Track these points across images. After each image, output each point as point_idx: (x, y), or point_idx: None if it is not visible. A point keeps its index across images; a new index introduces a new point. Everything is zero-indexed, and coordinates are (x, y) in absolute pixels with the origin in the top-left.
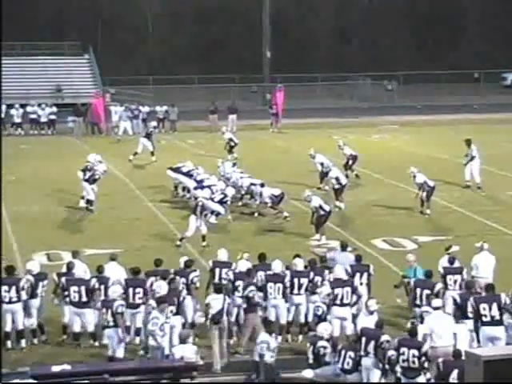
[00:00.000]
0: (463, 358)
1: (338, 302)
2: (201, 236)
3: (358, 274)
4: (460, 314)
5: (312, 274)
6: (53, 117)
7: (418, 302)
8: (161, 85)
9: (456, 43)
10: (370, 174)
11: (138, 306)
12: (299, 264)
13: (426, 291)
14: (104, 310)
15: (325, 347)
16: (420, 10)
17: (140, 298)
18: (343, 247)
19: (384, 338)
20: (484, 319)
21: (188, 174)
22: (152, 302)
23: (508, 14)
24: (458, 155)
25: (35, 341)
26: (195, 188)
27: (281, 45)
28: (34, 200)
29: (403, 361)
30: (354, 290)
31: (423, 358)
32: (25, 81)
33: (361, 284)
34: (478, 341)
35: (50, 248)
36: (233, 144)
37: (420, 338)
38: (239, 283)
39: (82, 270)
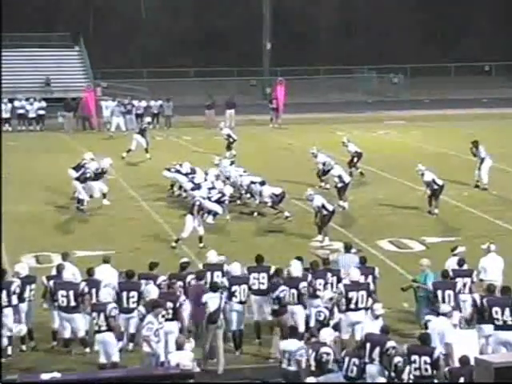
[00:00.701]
0: (472, 364)
1: (352, 306)
2: (198, 237)
3: (362, 277)
4: (479, 317)
5: (310, 277)
6: (42, 112)
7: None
8: (155, 78)
9: (465, 34)
10: (375, 171)
11: (132, 310)
12: (295, 266)
13: (448, 291)
14: (95, 314)
15: (328, 354)
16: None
17: (134, 302)
18: (347, 249)
19: (390, 344)
20: (497, 323)
21: (185, 174)
22: (141, 308)
23: None
24: (467, 152)
25: (24, 347)
26: (192, 189)
27: (282, 36)
28: (22, 199)
29: (415, 369)
30: (370, 294)
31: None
32: (12, 74)
33: None
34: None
35: (39, 250)
36: (231, 140)
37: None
38: (235, 288)
39: (70, 273)
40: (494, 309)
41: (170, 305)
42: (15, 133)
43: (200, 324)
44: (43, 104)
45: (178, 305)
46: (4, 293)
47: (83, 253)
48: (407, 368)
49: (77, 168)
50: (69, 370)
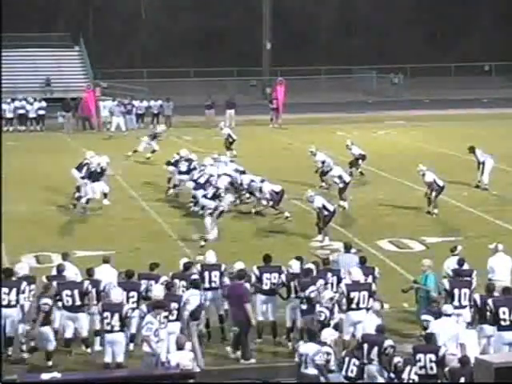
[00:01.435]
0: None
1: (353, 306)
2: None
3: (363, 277)
4: (479, 317)
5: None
6: (42, 112)
7: (456, 303)
8: (155, 78)
9: (466, 34)
10: (376, 171)
11: (132, 310)
12: (295, 266)
13: (465, 290)
14: (108, 314)
15: (328, 353)
16: None
17: (134, 302)
18: (347, 248)
19: (387, 343)
20: (503, 323)
21: (186, 172)
22: (143, 307)
23: None
24: (467, 152)
25: (24, 347)
26: (195, 188)
27: (282, 36)
28: (23, 199)
29: (420, 368)
30: (372, 294)
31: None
32: (12, 74)
33: None
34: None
35: (40, 250)
36: (231, 140)
37: None
38: None
39: (72, 273)
40: (502, 309)
41: (174, 305)
42: (15, 133)
43: (241, 323)
44: (43, 104)
45: (181, 305)
46: (14, 291)
47: (83, 253)
48: (407, 368)
49: (79, 167)
50: (69, 369)
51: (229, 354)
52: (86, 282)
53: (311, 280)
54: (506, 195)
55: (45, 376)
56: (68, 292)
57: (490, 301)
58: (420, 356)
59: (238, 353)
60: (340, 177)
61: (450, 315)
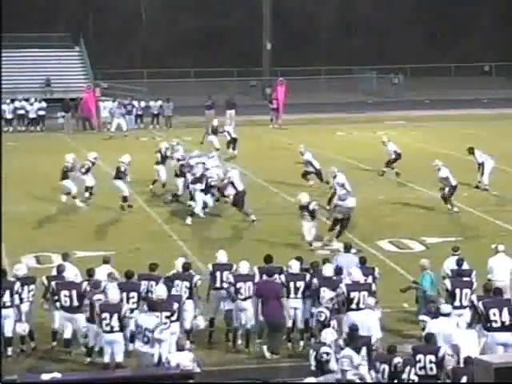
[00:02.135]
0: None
1: (353, 306)
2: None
3: (363, 278)
4: (477, 318)
5: (308, 277)
6: (42, 112)
7: (457, 303)
8: (155, 78)
9: (466, 34)
10: (376, 171)
11: (131, 310)
12: (294, 266)
13: (466, 290)
14: (107, 315)
15: (328, 353)
16: None
17: (134, 302)
18: (347, 249)
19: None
20: (494, 325)
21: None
22: (145, 307)
23: None
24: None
25: (24, 347)
26: (193, 182)
27: (282, 36)
28: (22, 199)
29: (420, 368)
30: (372, 294)
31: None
32: (12, 74)
33: None
34: None
35: (40, 250)
36: (229, 139)
37: None
38: (240, 285)
39: (72, 274)
40: (492, 311)
41: (176, 306)
42: (15, 133)
43: (275, 318)
44: (43, 104)
45: (182, 305)
46: (7, 293)
47: (83, 253)
48: (407, 368)
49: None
50: (69, 370)
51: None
52: (85, 283)
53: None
54: (506, 195)
55: (45, 376)
56: (66, 292)
57: (480, 303)
58: (420, 357)
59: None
60: (343, 185)
61: (447, 315)
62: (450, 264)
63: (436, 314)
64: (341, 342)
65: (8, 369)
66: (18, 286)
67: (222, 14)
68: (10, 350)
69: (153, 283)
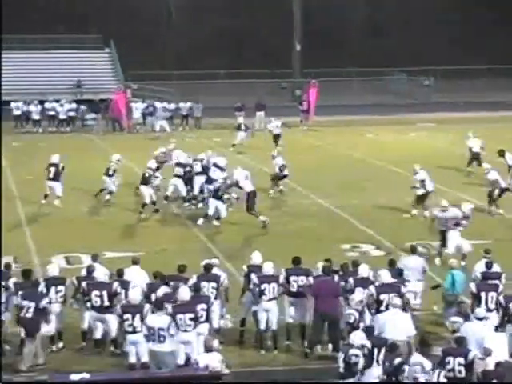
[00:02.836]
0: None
1: (383, 308)
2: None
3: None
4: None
5: (337, 278)
6: (72, 113)
7: (483, 306)
8: (185, 80)
9: (497, 35)
10: (406, 174)
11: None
12: (321, 268)
13: (492, 293)
14: (128, 316)
15: (356, 355)
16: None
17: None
18: (413, 251)
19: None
20: None
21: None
22: (169, 308)
23: None
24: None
25: (54, 348)
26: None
27: (311, 37)
28: (52, 200)
29: (448, 370)
30: (401, 296)
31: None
32: (43, 76)
33: None
34: None
35: (69, 251)
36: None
37: None
38: (265, 286)
39: (102, 274)
40: None
41: (202, 306)
42: (46, 134)
43: (332, 317)
44: (73, 105)
45: (210, 306)
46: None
47: (112, 254)
48: (436, 371)
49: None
50: (98, 370)
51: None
52: (115, 284)
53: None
54: None
55: (74, 377)
56: (97, 292)
57: (510, 304)
58: (449, 359)
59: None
60: (423, 181)
61: (481, 319)
62: (480, 267)
63: (466, 315)
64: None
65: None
66: (42, 286)
67: (251, 14)
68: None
69: (181, 284)
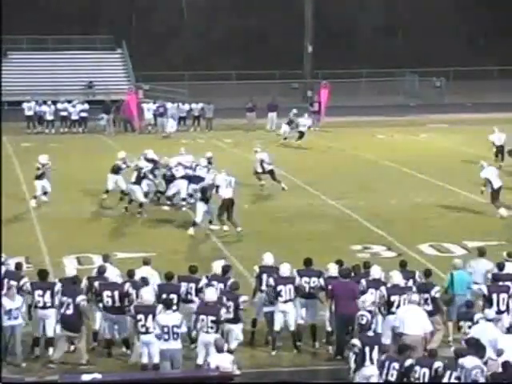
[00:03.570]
0: None
1: (393, 309)
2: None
3: (403, 281)
4: None
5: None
6: (84, 114)
7: (495, 308)
8: (196, 81)
9: (508, 37)
10: (417, 175)
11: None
12: (333, 269)
13: (503, 295)
14: (141, 316)
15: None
16: (470, 2)
17: (174, 304)
18: (481, 254)
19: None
20: None
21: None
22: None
23: None
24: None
25: (72, 347)
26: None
27: (323, 38)
28: (64, 200)
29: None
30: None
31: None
32: (55, 76)
33: None
34: None
35: (81, 251)
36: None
37: None
38: (281, 288)
39: (114, 275)
40: None
41: (230, 304)
42: (58, 135)
43: (349, 319)
44: (86, 106)
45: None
46: (48, 293)
47: (123, 254)
48: (448, 372)
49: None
50: (110, 371)
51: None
52: (127, 284)
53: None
54: None
55: (86, 377)
56: (109, 293)
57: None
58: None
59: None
60: (489, 181)
61: (491, 320)
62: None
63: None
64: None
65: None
66: (58, 286)
67: (263, 15)
68: (50, 350)
69: (192, 285)
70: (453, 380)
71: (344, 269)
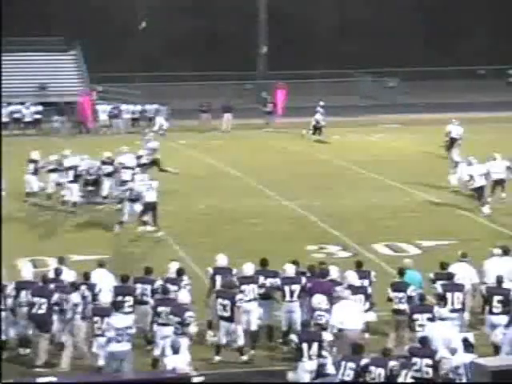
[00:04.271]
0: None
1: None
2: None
3: (359, 281)
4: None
5: (304, 280)
6: (37, 116)
7: (449, 307)
8: (151, 82)
9: (461, 38)
10: (372, 175)
11: (127, 314)
12: (289, 270)
13: (458, 294)
14: (98, 319)
15: (325, 357)
16: (424, 2)
17: (130, 305)
18: (505, 252)
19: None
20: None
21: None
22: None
23: None
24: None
25: (21, 351)
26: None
27: (278, 39)
28: (17, 203)
29: (415, 371)
30: (368, 298)
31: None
32: (8, 78)
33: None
34: None
35: (35, 254)
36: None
37: None
38: (244, 288)
39: (71, 276)
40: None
41: (226, 302)
42: (10, 137)
43: None
44: (39, 108)
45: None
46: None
47: (78, 257)
48: (403, 371)
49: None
50: (65, 373)
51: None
52: (83, 287)
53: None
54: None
55: (41, 380)
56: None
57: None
58: (416, 359)
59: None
60: (471, 176)
61: (445, 319)
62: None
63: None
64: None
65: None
66: (9, 289)
67: (218, 17)
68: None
69: (148, 286)
70: (408, 379)
71: (322, 268)
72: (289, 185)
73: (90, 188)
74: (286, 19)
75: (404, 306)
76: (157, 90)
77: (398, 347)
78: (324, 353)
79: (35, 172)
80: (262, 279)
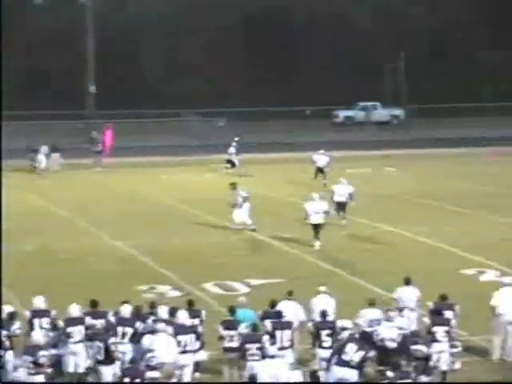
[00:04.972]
0: None
1: (181, 348)
2: None
3: (190, 321)
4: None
5: (138, 323)
6: None
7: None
8: None
9: (287, 79)
10: (201, 214)
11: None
12: (125, 311)
13: (286, 331)
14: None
15: None
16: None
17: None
18: (407, 282)
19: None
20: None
21: None
22: None
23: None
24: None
25: None
26: None
27: (108, 78)
28: None
29: None
30: (198, 337)
31: None
32: None
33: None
34: None
35: None
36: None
37: None
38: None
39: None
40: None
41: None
42: None
43: None
44: None
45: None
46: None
47: None
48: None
49: None
50: None
51: None
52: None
53: None
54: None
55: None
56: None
57: None
58: None
59: None
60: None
61: (273, 356)
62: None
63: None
64: None
65: None
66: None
67: (47, 56)
68: None
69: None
70: None
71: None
72: (120, 224)
73: None
74: (116, 59)
75: (235, 344)
76: None
77: None
78: None
79: None
80: (88, 320)
